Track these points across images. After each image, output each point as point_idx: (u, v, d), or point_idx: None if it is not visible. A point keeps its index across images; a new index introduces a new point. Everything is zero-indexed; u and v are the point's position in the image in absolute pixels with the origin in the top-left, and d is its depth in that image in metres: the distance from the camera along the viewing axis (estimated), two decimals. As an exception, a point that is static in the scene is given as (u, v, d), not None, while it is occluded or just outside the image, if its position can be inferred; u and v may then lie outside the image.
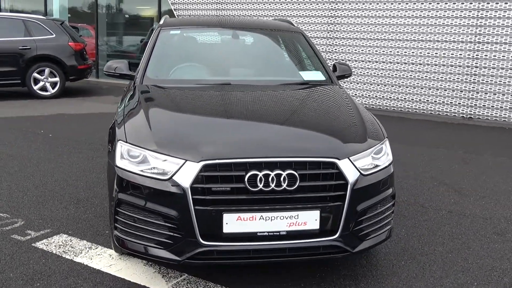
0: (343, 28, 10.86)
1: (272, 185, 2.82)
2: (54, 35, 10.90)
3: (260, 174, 2.81)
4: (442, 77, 9.91)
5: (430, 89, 10.08)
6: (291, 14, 11.44)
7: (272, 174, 2.82)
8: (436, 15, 9.80)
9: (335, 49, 11.00)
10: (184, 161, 2.85)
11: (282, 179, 2.83)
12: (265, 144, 3.01)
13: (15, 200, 4.66)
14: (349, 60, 10.86)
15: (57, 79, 10.95)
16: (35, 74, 10.76)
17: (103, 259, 3.53)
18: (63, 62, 10.89)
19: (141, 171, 2.94)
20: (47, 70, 10.83)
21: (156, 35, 4.44)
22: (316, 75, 4.35)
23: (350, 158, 3.00)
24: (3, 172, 5.49)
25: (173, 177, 2.84)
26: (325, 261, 3.52)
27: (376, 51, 10.54)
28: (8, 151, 6.41)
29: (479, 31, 9.46)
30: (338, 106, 3.73)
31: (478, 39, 9.49)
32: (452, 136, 8.30)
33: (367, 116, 3.58)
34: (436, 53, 9.90)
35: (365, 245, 3.11)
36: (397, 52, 10.30)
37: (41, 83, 10.85)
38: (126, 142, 3.08)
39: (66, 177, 5.38)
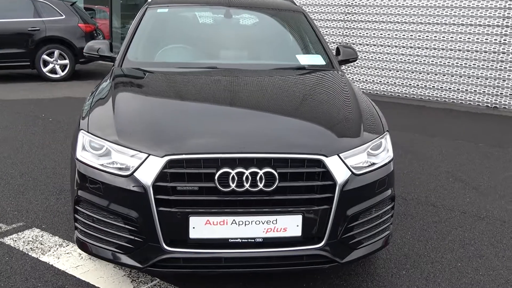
0: (361, 10, 10.31)
1: (247, 185, 2.45)
2: (64, 16, 10.65)
3: (233, 173, 2.44)
4: (466, 63, 9.30)
5: (452, 76, 9.48)
6: (308, -4, 10.93)
7: (247, 172, 2.44)
8: (462, -3, 9.19)
9: (352, 33, 10.46)
10: (146, 155, 2.50)
11: (258, 178, 2.45)
12: (241, 137, 2.62)
13: (-5, 189, 4.41)
14: (367, 45, 10.32)
15: (66, 61, 10.71)
16: (45, 56, 10.53)
17: (71, 259, 3.23)
18: (73, 44, 10.63)
19: (101, 165, 2.60)
20: (56, 52, 10.59)
21: (141, 13, 4.07)
22: (315, 59, 3.92)
23: (340, 155, 2.60)
24: (-9, 158, 5.25)
25: (134, 174, 2.49)
26: (314, 270, 3.14)
27: (395, 35, 9.97)
28: (3, 135, 6.17)
29: (507, 13, 8.81)
30: (333, 95, 3.32)
31: (506, 22, 8.84)
32: (475, 127, 7.76)
33: (366, 106, 3.15)
34: (459, 38, 9.29)
35: (357, 254, 2.71)
36: (418, 36, 9.71)
37: (50, 65, 10.63)
38: (88, 132, 2.74)
39: (55, 165, 5.10)
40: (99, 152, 2.64)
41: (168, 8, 4.18)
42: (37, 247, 3.37)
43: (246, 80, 3.45)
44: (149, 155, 2.49)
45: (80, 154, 2.70)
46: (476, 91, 9.30)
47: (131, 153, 2.54)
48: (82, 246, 2.73)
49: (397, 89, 10.13)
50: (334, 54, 4.11)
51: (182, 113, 2.94)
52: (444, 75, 9.57)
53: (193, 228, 2.47)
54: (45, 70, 10.60)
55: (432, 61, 9.65)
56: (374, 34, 10.23)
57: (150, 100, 3.12)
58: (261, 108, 3.05)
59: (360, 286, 3.02)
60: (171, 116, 2.89)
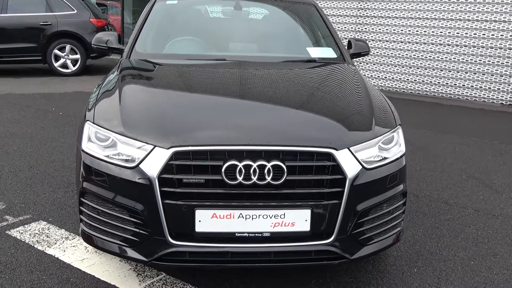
0: (374, 6, 10.19)
1: (254, 178, 2.38)
2: (75, 11, 10.64)
3: (240, 165, 2.38)
4: (480, 60, 9.15)
5: (467, 72, 9.34)
6: (320, -9, 10.83)
7: (254, 165, 2.38)
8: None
9: (365, 29, 10.35)
10: (152, 146, 2.44)
11: (266, 171, 2.38)
12: (249, 129, 2.56)
13: (4, 181, 4.39)
14: (380, 41, 10.21)
15: (78, 56, 10.71)
16: (56, 51, 10.54)
17: (77, 252, 3.19)
18: (84, 38, 10.61)
19: (107, 156, 2.55)
20: (67, 47, 10.60)
21: (150, 5, 4.02)
22: (326, 52, 3.84)
23: (350, 148, 2.52)
24: (0, 151, 5.24)
25: (139, 165, 2.44)
26: (323, 266, 3.08)
27: (409, 31, 9.84)
28: (13, 129, 6.17)
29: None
30: (344, 88, 3.24)
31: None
32: (489, 124, 7.63)
33: (378, 100, 3.07)
34: (474, 34, 9.14)
35: (367, 251, 2.64)
36: (432, 32, 9.58)
37: (61, 60, 10.64)
38: (93, 123, 2.69)
39: (64, 158, 5.08)
40: (104, 144, 2.59)
41: (177, 0, 4.13)
42: (43, 240, 3.35)
43: (255, 73, 3.38)
44: (155, 146, 2.44)
45: (86, 146, 2.66)
46: (490, 88, 9.15)
47: (137, 144, 2.49)
48: (87, 238, 2.69)
49: (410, 86, 10.01)
50: (346, 47, 4.03)
51: (189, 105, 2.88)
52: (458, 72, 9.43)
53: (199, 221, 2.41)
54: (56, 64, 10.62)
55: (446, 57, 9.51)
56: (387, 30, 10.11)
57: (157, 92, 3.07)
58: (270, 101, 2.98)
59: (370, 284, 2.96)
60: (178, 108, 2.83)
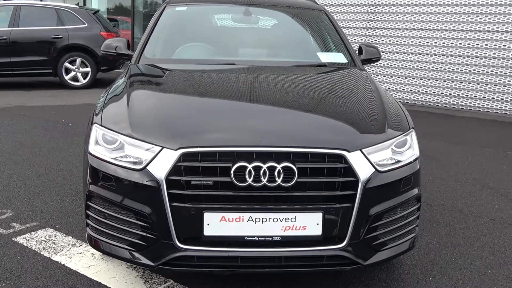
0: (384, 17, 10.16)
1: (264, 180, 2.32)
2: (86, 25, 10.72)
3: (250, 167, 2.32)
4: (492, 71, 9.06)
5: (478, 84, 9.24)
6: (329, 3, 10.83)
7: (264, 166, 2.32)
8: (486, 2, 8.97)
9: (375, 40, 10.31)
10: (160, 148, 2.40)
11: (276, 173, 2.32)
12: (258, 131, 2.50)
13: (12, 189, 4.35)
14: (390, 52, 10.16)
15: (88, 69, 10.76)
16: (67, 64, 10.60)
17: (84, 259, 3.13)
18: (95, 52, 10.67)
19: (114, 159, 2.51)
20: (78, 60, 10.65)
21: (160, 12, 4.02)
22: (337, 57, 3.80)
23: (362, 150, 2.46)
24: (9, 160, 5.22)
25: (147, 167, 2.39)
26: (334, 272, 2.99)
27: (419, 42, 9.79)
28: (22, 139, 6.17)
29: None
30: (356, 92, 3.18)
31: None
32: (502, 135, 7.51)
33: (390, 103, 3.01)
34: (485, 45, 9.06)
35: (380, 256, 2.56)
36: (443, 43, 9.51)
37: (72, 73, 10.70)
38: (101, 125, 2.65)
39: (72, 168, 5.05)
40: (112, 146, 2.55)
41: (186, 7, 4.12)
42: (49, 247, 3.29)
43: (265, 76, 3.34)
44: (163, 148, 2.39)
45: (93, 149, 2.62)
46: (503, 99, 9.04)
47: (145, 146, 2.44)
48: (93, 243, 2.63)
49: (421, 97, 9.92)
50: (357, 53, 3.99)
51: (198, 107, 2.83)
52: (470, 83, 9.34)
53: (208, 224, 2.35)
54: (67, 77, 10.67)
55: (457, 68, 9.43)
56: (396, 41, 10.07)
57: (166, 95, 3.03)
58: (280, 104, 2.93)
59: (384, 292, 2.86)
60: (186, 109, 2.79)
